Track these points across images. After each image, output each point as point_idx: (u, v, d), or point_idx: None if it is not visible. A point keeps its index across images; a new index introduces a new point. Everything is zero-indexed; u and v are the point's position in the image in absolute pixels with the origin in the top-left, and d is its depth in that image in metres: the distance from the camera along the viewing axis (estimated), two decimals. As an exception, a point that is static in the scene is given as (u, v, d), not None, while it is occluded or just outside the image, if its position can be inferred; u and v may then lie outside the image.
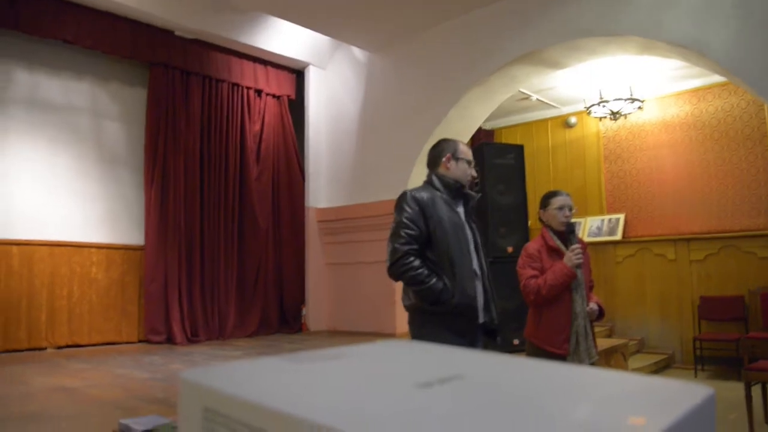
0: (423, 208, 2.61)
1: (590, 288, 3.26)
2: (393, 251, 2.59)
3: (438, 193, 2.70)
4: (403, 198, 2.68)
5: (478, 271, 2.69)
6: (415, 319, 2.69)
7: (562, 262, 3.04)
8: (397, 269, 2.58)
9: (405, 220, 2.60)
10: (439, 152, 2.84)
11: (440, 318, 2.56)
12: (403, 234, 2.58)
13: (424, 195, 2.66)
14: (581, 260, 3.05)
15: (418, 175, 6.62)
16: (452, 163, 2.78)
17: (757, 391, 4.52)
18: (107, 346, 5.98)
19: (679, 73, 7.38)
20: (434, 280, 2.53)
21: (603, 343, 5.36)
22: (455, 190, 2.74)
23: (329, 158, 7.71)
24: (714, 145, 7.50)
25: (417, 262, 2.55)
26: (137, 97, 6.65)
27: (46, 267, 5.76)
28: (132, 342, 6.27)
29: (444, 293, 2.52)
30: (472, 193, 2.81)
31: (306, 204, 7.62)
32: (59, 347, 5.71)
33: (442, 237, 2.58)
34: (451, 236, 2.59)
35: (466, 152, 2.82)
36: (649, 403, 0.46)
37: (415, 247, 2.57)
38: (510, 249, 5.17)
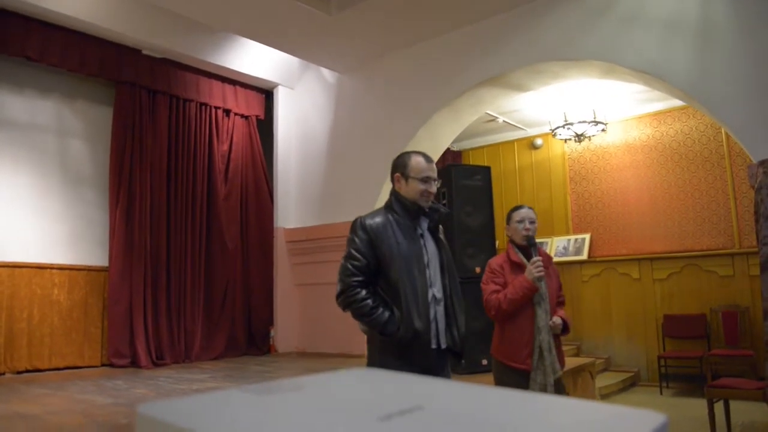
0: (373, 236, 2.52)
1: (561, 303, 3.25)
2: (339, 283, 2.55)
3: (394, 216, 2.58)
4: (353, 226, 2.59)
5: (440, 294, 2.57)
6: (370, 343, 2.61)
7: (523, 276, 3.03)
8: (342, 301, 2.54)
9: (352, 251, 2.54)
10: (392, 168, 2.68)
11: (393, 346, 2.47)
12: (349, 266, 2.52)
13: (377, 221, 2.55)
14: (542, 273, 3.01)
15: (387, 195, 6.62)
16: (402, 182, 2.62)
17: (720, 407, 4.61)
18: (69, 371, 5.81)
19: (641, 97, 7.59)
20: (380, 311, 2.46)
21: (570, 362, 5.39)
22: (414, 212, 2.60)
23: (298, 178, 7.69)
24: (675, 166, 7.71)
25: (362, 294, 2.48)
26: (103, 115, 6.55)
27: (6, 289, 5.59)
28: (95, 366, 6.11)
29: (389, 325, 2.44)
30: (441, 208, 2.66)
31: (275, 224, 7.56)
32: (18, 372, 5.53)
33: (391, 267, 2.49)
34: (401, 266, 2.48)
35: (419, 169, 2.59)
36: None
37: (360, 278, 2.51)
38: (477, 269, 5.19)
